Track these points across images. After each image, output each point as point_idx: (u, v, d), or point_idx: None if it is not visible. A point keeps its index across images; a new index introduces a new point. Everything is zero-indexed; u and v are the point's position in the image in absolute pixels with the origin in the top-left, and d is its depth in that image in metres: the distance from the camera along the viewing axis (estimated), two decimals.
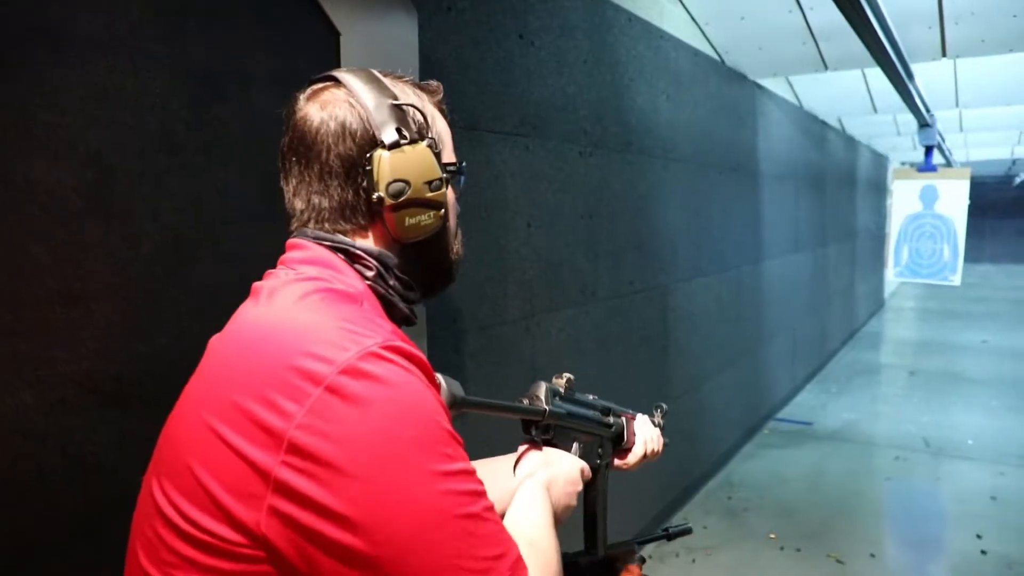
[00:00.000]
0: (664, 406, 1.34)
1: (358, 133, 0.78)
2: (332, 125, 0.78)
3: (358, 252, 0.79)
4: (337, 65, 1.48)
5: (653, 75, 3.23)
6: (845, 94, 5.65)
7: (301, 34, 1.46)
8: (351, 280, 0.77)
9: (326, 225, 0.79)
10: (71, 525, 1.07)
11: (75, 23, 1.05)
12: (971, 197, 5.87)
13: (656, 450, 1.24)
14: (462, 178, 0.89)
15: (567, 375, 1.00)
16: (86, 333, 1.07)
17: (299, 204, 0.80)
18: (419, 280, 0.85)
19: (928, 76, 4.74)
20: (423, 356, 0.71)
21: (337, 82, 0.81)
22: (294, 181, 0.80)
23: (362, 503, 0.60)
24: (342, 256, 0.79)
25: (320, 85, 0.82)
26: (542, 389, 0.95)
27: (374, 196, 0.77)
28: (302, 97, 0.82)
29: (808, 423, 5.26)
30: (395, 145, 0.78)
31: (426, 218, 0.81)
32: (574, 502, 0.94)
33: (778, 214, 5.22)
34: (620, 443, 1.15)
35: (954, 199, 5.73)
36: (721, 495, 3.98)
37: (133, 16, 1.13)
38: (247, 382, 0.65)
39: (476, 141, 2.12)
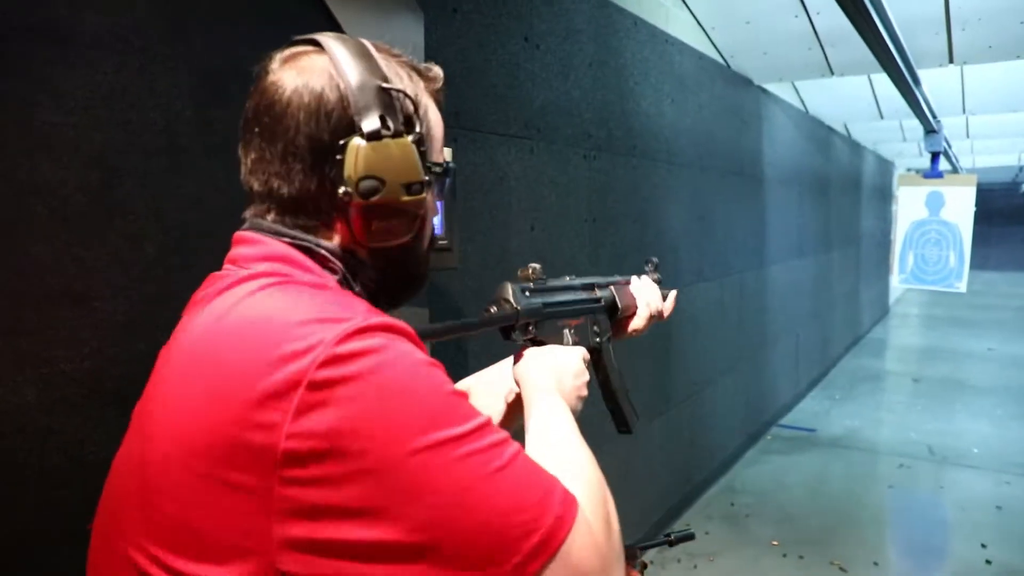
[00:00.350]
0: (654, 259, 1.24)
1: (334, 114, 0.67)
2: (306, 98, 0.67)
3: (322, 253, 0.69)
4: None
5: (658, 79, 3.23)
6: (851, 100, 5.65)
7: (306, 34, 1.46)
8: (316, 276, 0.68)
9: (286, 218, 0.69)
10: (71, 524, 1.07)
11: (80, 22, 1.05)
12: (977, 204, 5.86)
13: (660, 308, 1.15)
14: (447, 180, 0.79)
15: (533, 265, 0.92)
16: (88, 332, 1.07)
17: (255, 184, 0.70)
18: (385, 289, 0.75)
19: (935, 82, 4.73)
20: (405, 325, 0.63)
21: (320, 48, 0.70)
22: (253, 155, 0.70)
23: (383, 491, 0.54)
24: (304, 254, 0.69)
25: (300, 48, 0.71)
26: (507, 290, 0.87)
27: (340, 191, 0.66)
28: (278, 58, 0.71)
29: (811, 429, 5.24)
30: (375, 136, 0.67)
31: (398, 225, 0.70)
32: (586, 391, 0.88)
33: (782, 219, 5.21)
34: (616, 312, 1.08)
35: (960, 206, 5.72)
36: (723, 501, 3.96)
37: (138, 15, 1.13)
38: (217, 403, 0.57)
39: (480, 143, 2.12)
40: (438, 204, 0.80)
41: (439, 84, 0.77)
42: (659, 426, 3.43)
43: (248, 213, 0.72)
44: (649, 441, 3.34)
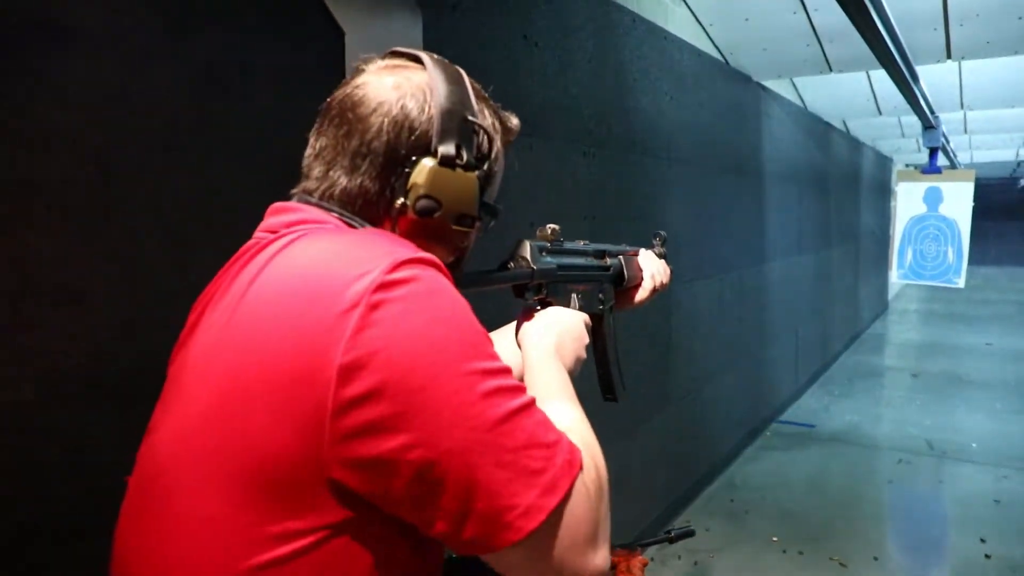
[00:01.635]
0: (662, 233, 1.29)
1: (417, 131, 0.70)
2: (395, 110, 0.70)
3: (367, 227, 0.71)
4: (341, 64, 1.48)
5: (657, 76, 3.23)
6: (850, 96, 5.65)
7: (305, 32, 1.46)
8: None
9: (335, 205, 0.72)
10: (69, 521, 1.07)
11: (79, 18, 1.05)
12: (975, 199, 5.86)
13: (664, 282, 1.19)
14: (492, 223, 0.82)
15: (551, 226, 0.95)
16: (87, 329, 1.07)
17: (318, 169, 0.73)
18: None
19: (933, 78, 4.73)
20: (443, 265, 0.67)
21: (421, 65, 0.74)
22: (324, 141, 0.73)
23: (421, 414, 0.58)
24: (348, 225, 0.71)
25: (404, 61, 0.75)
26: (527, 248, 0.89)
27: (398, 201, 0.70)
28: (380, 62, 0.75)
29: (811, 425, 5.25)
30: (448, 161, 0.70)
31: (440, 250, 0.73)
32: (584, 354, 0.91)
33: (781, 215, 5.21)
34: (621, 283, 1.10)
35: (959, 201, 5.72)
36: (723, 497, 3.97)
37: (137, 12, 1.13)
38: (297, 336, 0.59)
39: None
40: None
41: (514, 136, 0.83)
42: (659, 422, 3.43)
43: (296, 190, 0.74)
44: (649, 437, 3.34)
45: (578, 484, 0.63)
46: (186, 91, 1.22)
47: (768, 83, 4.71)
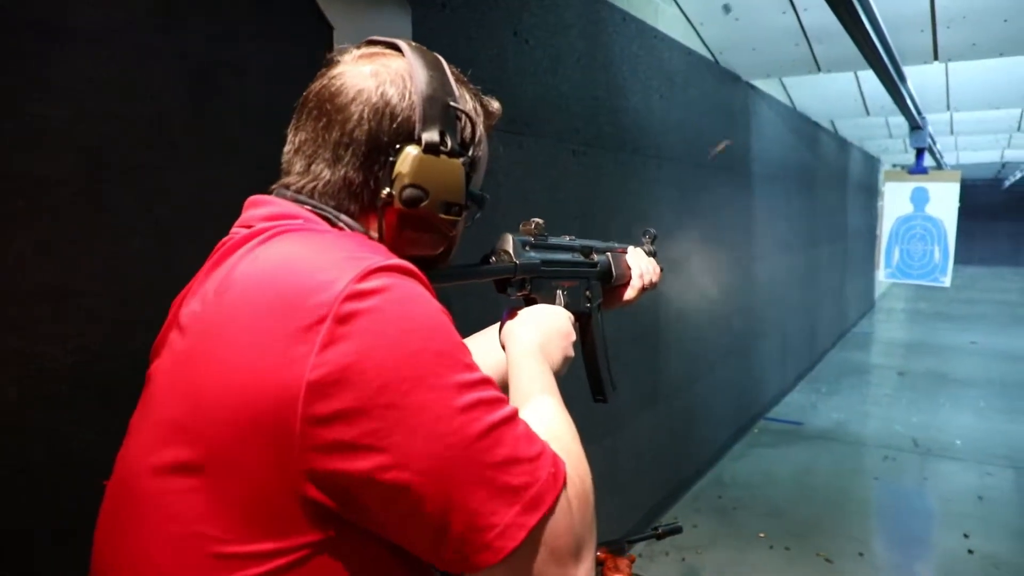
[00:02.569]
0: (652, 230, 1.24)
1: (399, 118, 0.68)
2: (375, 97, 0.68)
3: (342, 222, 0.69)
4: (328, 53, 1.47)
5: (647, 74, 3.24)
6: (838, 96, 5.68)
7: (295, 28, 1.45)
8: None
9: (316, 196, 0.69)
10: (56, 522, 1.07)
11: (70, 14, 1.04)
12: (961, 199, 5.92)
13: (654, 280, 1.16)
14: (479, 212, 0.79)
15: (536, 220, 0.91)
16: (74, 329, 1.06)
17: (299, 164, 0.70)
18: None
19: (920, 79, 4.77)
20: (418, 270, 0.64)
21: (399, 52, 0.71)
22: (303, 135, 0.70)
23: (396, 428, 0.55)
24: (321, 219, 0.68)
25: (380, 49, 0.72)
26: (508, 242, 0.86)
27: (384, 192, 0.68)
28: (355, 52, 0.72)
29: (798, 423, 5.29)
30: (432, 149, 0.68)
31: (428, 239, 0.72)
32: (572, 352, 0.87)
33: (770, 214, 5.24)
34: (609, 280, 1.07)
35: (945, 201, 5.78)
36: (711, 494, 3.99)
37: (128, 7, 1.12)
38: (257, 348, 0.57)
39: None
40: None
41: (496, 120, 0.79)
42: (648, 420, 3.45)
43: (275, 184, 0.72)
44: (638, 435, 3.35)
45: (563, 498, 0.61)
46: (176, 88, 1.22)
47: (757, 82, 4.73)
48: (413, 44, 0.73)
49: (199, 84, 1.25)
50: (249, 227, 0.68)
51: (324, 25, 1.49)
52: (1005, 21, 3.49)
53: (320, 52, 1.49)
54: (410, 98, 0.69)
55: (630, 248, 1.15)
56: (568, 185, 2.65)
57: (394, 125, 0.68)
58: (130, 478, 0.64)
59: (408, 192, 0.68)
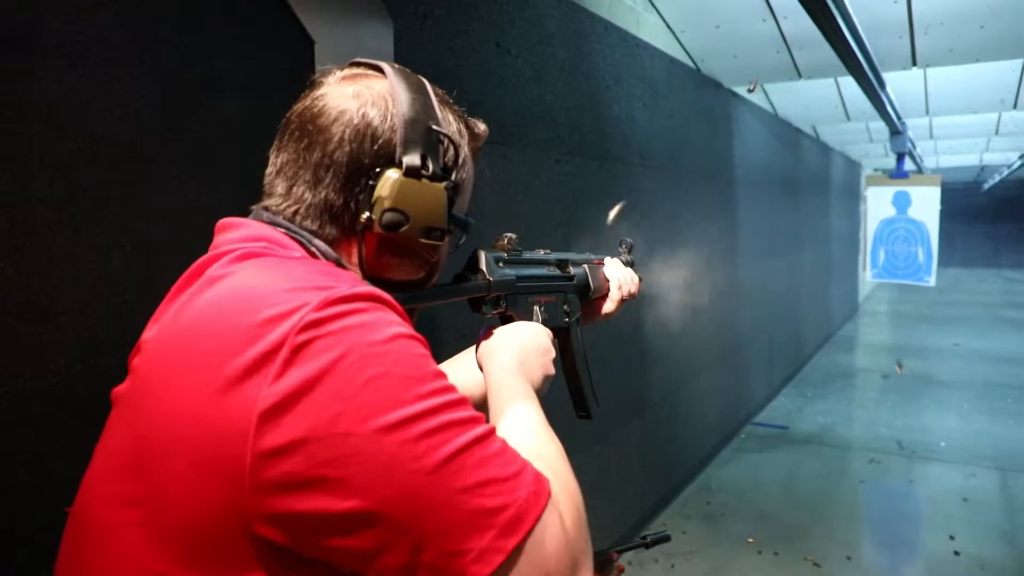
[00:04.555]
0: (628, 240, 1.21)
1: (380, 140, 0.68)
2: (356, 119, 0.67)
3: (314, 247, 0.68)
4: (311, 74, 1.47)
5: (629, 83, 3.26)
6: (819, 102, 5.74)
7: (275, 43, 1.45)
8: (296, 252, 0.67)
9: (296, 219, 0.68)
10: (37, 543, 1.05)
11: (43, 31, 1.03)
12: (941, 202, 6.00)
13: (633, 291, 1.13)
14: (464, 236, 0.78)
15: (508, 235, 0.89)
16: (54, 348, 1.05)
17: (280, 186, 0.69)
18: None
19: (899, 84, 4.83)
20: (390, 297, 0.62)
21: (382, 74, 0.71)
22: (285, 156, 0.70)
23: (354, 460, 0.53)
24: (295, 242, 0.67)
25: (363, 70, 0.72)
26: (481, 259, 0.84)
27: (364, 216, 0.67)
28: (338, 73, 0.72)
29: (784, 427, 5.32)
30: (413, 172, 0.68)
31: (408, 264, 0.71)
32: (552, 370, 0.86)
33: (754, 220, 5.28)
34: (587, 293, 1.05)
35: (927, 204, 5.85)
36: (699, 500, 4.00)
37: (103, 24, 1.12)
38: (204, 374, 0.56)
39: None
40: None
41: (482, 142, 0.79)
42: (636, 427, 3.45)
43: (256, 206, 0.71)
44: (626, 442, 3.36)
45: (547, 516, 0.59)
46: (154, 104, 1.21)
47: (739, 89, 4.77)
48: (397, 67, 0.73)
49: (176, 100, 1.24)
50: (217, 249, 0.67)
51: (305, 39, 1.48)
52: (981, 27, 3.54)
53: (301, 67, 1.49)
54: (392, 120, 0.68)
55: (607, 259, 1.13)
56: (552, 194, 2.65)
57: (375, 147, 0.68)
58: (85, 507, 0.63)
59: (388, 216, 0.67)
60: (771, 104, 5.71)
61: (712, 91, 4.35)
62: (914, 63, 3.98)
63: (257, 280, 0.60)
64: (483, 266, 0.83)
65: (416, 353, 0.59)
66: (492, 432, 0.61)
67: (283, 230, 0.68)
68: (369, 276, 0.70)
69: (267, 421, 0.53)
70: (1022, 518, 3.68)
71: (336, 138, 0.67)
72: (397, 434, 0.54)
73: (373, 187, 0.67)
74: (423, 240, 0.70)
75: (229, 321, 0.57)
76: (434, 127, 0.70)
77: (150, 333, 0.64)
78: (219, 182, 1.33)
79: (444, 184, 0.70)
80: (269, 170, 0.71)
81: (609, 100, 3.07)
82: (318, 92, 0.70)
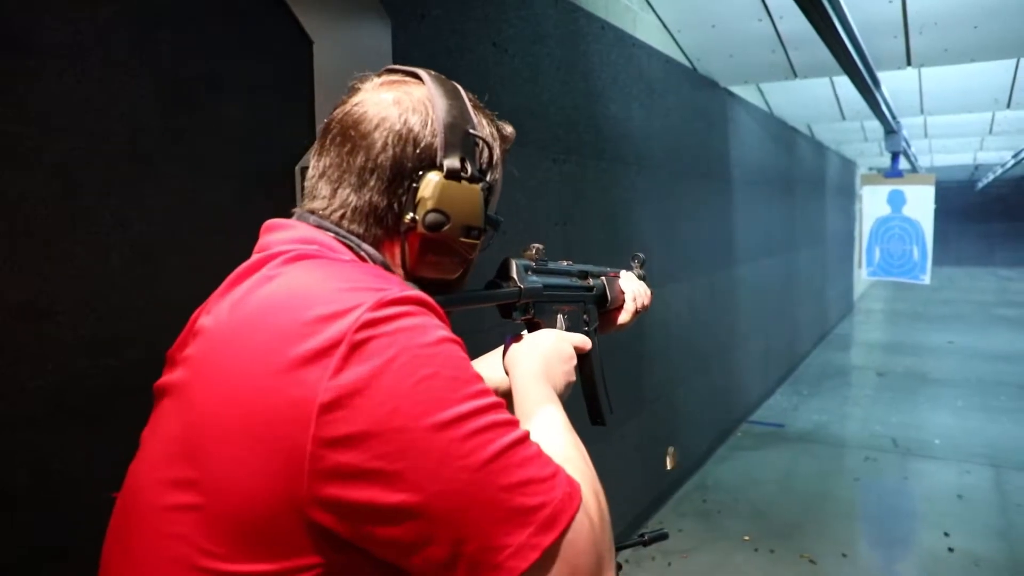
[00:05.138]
0: (641, 255, 1.26)
1: (422, 144, 0.71)
2: (399, 124, 0.70)
3: (363, 252, 0.71)
4: (309, 74, 1.47)
5: (626, 82, 3.26)
6: (814, 101, 5.76)
7: (273, 42, 1.45)
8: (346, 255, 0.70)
9: (343, 222, 0.72)
10: (37, 545, 1.05)
11: (42, 31, 1.03)
12: (935, 201, 6.03)
13: (645, 303, 1.19)
14: (493, 235, 0.81)
15: (535, 245, 0.93)
16: (54, 348, 1.05)
17: (325, 188, 0.72)
18: None
19: (894, 84, 4.85)
20: (433, 301, 0.65)
21: (420, 80, 0.74)
22: (327, 160, 0.72)
23: (407, 455, 0.56)
24: (343, 245, 0.70)
25: (401, 77, 0.75)
26: (512, 267, 0.88)
27: (407, 217, 0.70)
28: (377, 79, 0.75)
29: (780, 425, 5.33)
30: (454, 175, 0.71)
31: (448, 263, 0.75)
32: (573, 377, 0.89)
33: (749, 219, 5.30)
34: (604, 304, 1.09)
35: (921, 203, 5.88)
36: (696, 498, 4.01)
37: (101, 23, 1.11)
38: (260, 365, 0.58)
39: None
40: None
41: (510, 144, 0.82)
42: (633, 425, 3.46)
43: (298, 208, 0.74)
44: (624, 440, 3.37)
45: (579, 516, 0.61)
46: (152, 103, 1.21)
47: (735, 88, 4.79)
48: (433, 73, 0.76)
49: (174, 99, 1.24)
50: (266, 250, 0.69)
51: (303, 39, 1.48)
52: (975, 27, 3.56)
53: (298, 65, 1.49)
54: (432, 126, 0.71)
55: (622, 272, 1.16)
56: (550, 193, 2.66)
57: (417, 151, 0.71)
58: (135, 491, 0.66)
59: (431, 217, 0.70)
60: (766, 103, 5.72)
61: (708, 90, 4.36)
62: (909, 63, 3.99)
63: (314, 278, 0.63)
64: (514, 274, 0.87)
65: (459, 356, 0.62)
66: (528, 436, 0.63)
67: (331, 234, 0.71)
68: (410, 276, 0.74)
69: (327, 413, 0.56)
70: (1016, 515, 3.71)
71: (379, 143, 0.70)
72: (447, 432, 0.57)
73: (416, 189, 0.70)
74: (463, 239, 0.73)
75: (288, 315, 0.60)
76: (471, 131, 0.73)
77: (205, 322, 0.66)
78: (218, 182, 1.33)
79: (481, 185, 0.74)
80: (311, 173, 0.74)
81: (606, 99, 3.07)
82: (357, 98, 0.73)
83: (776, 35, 3.80)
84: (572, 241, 2.82)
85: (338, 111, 0.74)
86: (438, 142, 0.71)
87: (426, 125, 0.71)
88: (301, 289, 0.62)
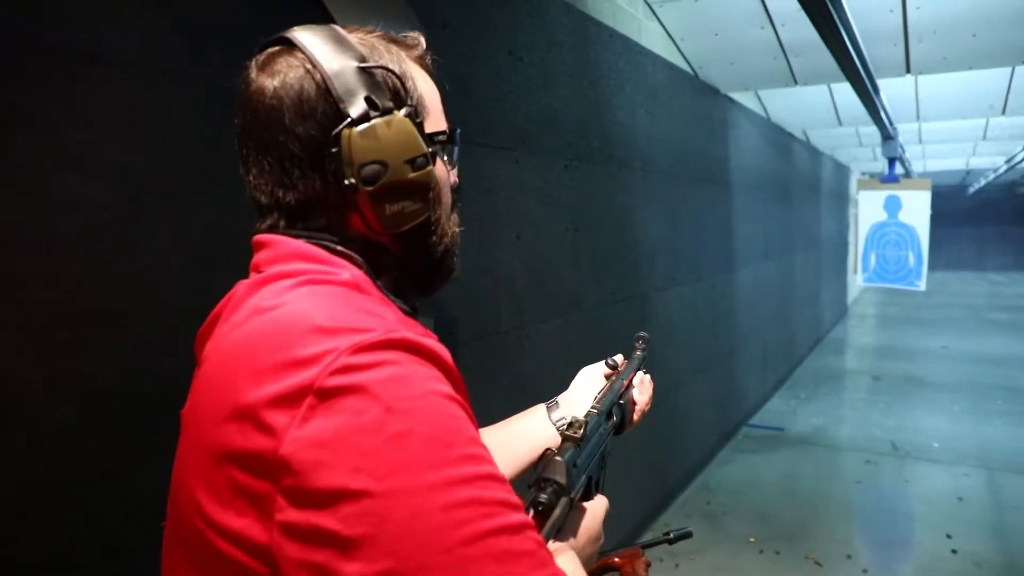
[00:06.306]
0: (644, 335, 1.20)
1: (319, 108, 0.64)
2: (286, 100, 0.64)
3: (339, 250, 0.67)
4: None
5: (632, 90, 3.30)
6: (811, 107, 5.83)
7: None
8: (338, 268, 0.66)
9: (298, 224, 0.67)
10: (103, 537, 1.08)
11: (105, 44, 1.06)
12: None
13: (648, 400, 1.12)
14: (455, 148, 0.75)
15: (576, 419, 0.83)
16: (118, 349, 1.07)
17: (262, 199, 0.68)
18: (413, 276, 0.73)
19: (892, 91, 4.91)
20: (434, 345, 0.59)
21: (292, 44, 0.67)
22: (254, 171, 0.68)
23: (374, 520, 0.50)
24: (323, 248, 0.66)
25: (273, 50, 0.68)
26: (560, 470, 0.76)
27: (345, 183, 0.64)
28: (253, 66, 0.68)
29: (780, 428, 5.38)
30: (364, 119, 0.64)
31: (411, 204, 0.68)
32: (597, 550, 0.82)
33: (748, 224, 5.35)
34: (621, 431, 1.06)
35: (916, 208, 5.94)
36: (700, 500, 4.05)
37: (159, 35, 1.14)
38: (230, 401, 0.55)
39: (467, 155, 2.15)
40: (453, 175, 0.77)
41: (422, 50, 0.75)
42: (635, 429, 3.48)
43: (260, 226, 0.70)
44: (627, 443, 3.39)
45: None
46: (204, 112, 1.23)
47: (735, 95, 4.84)
48: (301, 28, 0.69)
49: (227, 108, 1.26)
50: (258, 269, 0.68)
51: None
52: (974, 36, 3.62)
53: None
54: (316, 82, 0.65)
55: (635, 380, 1.11)
56: (561, 198, 2.69)
57: (317, 116, 0.65)
58: (173, 512, 0.65)
59: (365, 171, 0.64)
60: (764, 109, 5.78)
61: (710, 97, 4.41)
62: (908, 70, 4.05)
63: (297, 313, 0.58)
64: (562, 478, 0.75)
65: (446, 413, 0.55)
66: (528, 525, 0.55)
67: (306, 239, 0.67)
68: (391, 235, 0.69)
69: (289, 466, 0.51)
70: (1014, 516, 3.76)
71: (281, 129, 0.65)
72: (414, 501, 0.51)
73: (338, 153, 0.64)
74: (412, 175, 0.67)
75: (264, 352, 0.56)
76: (362, 65, 0.66)
77: (206, 352, 0.64)
78: None
79: (403, 112, 0.67)
80: (247, 190, 0.70)
81: (613, 106, 3.11)
82: (246, 95, 0.68)
83: (778, 42, 3.85)
84: (582, 246, 2.86)
85: (237, 119, 0.69)
86: (334, 94, 0.64)
87: (315, 88, 0.65)
88: (282, 325, 0.57)
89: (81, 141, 1.02)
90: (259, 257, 0.68)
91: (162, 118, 1.12)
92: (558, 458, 0.76)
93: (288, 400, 0.52)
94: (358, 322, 0.57)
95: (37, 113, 0.98)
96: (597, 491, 0.95)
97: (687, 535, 1.55)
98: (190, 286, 1.17)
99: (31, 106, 0.97)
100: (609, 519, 0.76)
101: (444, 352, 0.59)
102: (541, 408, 1.04)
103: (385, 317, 0.60)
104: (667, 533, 1.52)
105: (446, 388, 0.57)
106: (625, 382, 1.08)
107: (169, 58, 1.14)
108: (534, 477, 0.69)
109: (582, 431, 0.81)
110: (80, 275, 1.02)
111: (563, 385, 1.03)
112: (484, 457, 0.55)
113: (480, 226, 2.22)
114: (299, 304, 0.59)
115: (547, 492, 0.73)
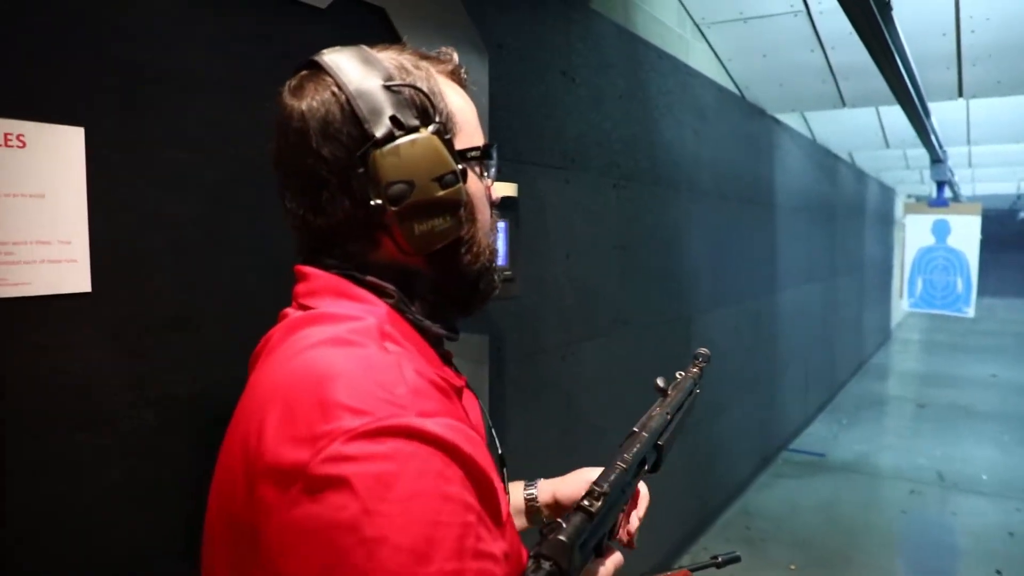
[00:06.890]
0: (706, 351, 1.14)
1: (344, 130, 0.64)
2: (313, 123, 0.64)
3: (370, 280, 0.67)
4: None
5: (680, 110, 3.32)
6: (858, 129, 5.76)
7: None
8: (367, 308, 0.65)
9: (332, 250, 0.67)
10: (183, 540, 1.11)
11: (197, 64, 1.11)
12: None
13: (643, 515, 1.00)
14: (492, 163, 0.73)
15: (594, 485, 0.75)
16: (196, 357, 1.12)
17: (297, 224, 0.68)
18: (450, 297, 0.72)
19: (942, 114, 4.84)
20: (436, 429, 0.55)
21: (321, 69, 0.67)
22: (288, 194, 0.68)
23: None
24: (354, 283, 0.67)
25: (304, 73, 0.68)
26: (560, 552, 0.66)
27: (372, 203, 0.64)
28: (286, 90, 0.68)
29: (821, 454, 5.28)
30: (389, 138, 0.63)
31: (441, 222, 0.66)
32: None
33: (792, 245, 5.29)
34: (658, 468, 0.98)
35: (966, 233, 5.83)
36: (739, 524, 3.99)
37: (244, 56, 1.19)
38: (238, 460, 0.59)
39: (520, 173, 2.19)
40: (493, 191, 0.75)
41: (452, 64, 0.74)
42: (677, 450, 3.46)
43: (299, 253, 0.71)
44: (668, 464, 3.36)
45: None
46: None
47: (781, 116, 4.82)
48: (331, 49, 0.69)
49: None
50: (296, 300, 0.69)
51: None
52: None
53: None
54: (345, 105, 0.64)
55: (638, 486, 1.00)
56: (609, 217, 2.71)
57: (343, 138, 0.64)
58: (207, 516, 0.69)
59: (392, 191, 0.63)
60: (810, 130, 5.74)
61: (756, 118, 4.39)
62: (960, 94, 4.00)
63: (314, 379, 0.57)
64: (561, 561, 0.66)
65: (432, 521, 0.52)
66: None
67: (336, 271, 0.67)
68: (424, 255, 0.68)
69: (270, 546, 0.53)
70: None
71: (307, 151, 0.65)
72: None
73: (365, 174, 0.64)
74: (440, 193, 0.66)
75: (278, 418, 0.56)
76: (387, 84, 0.65)
77: (250, 382, 0.68)
78: None
79: (431, 129, 0.66)
80: (285, 216, 0.71)
81: (661, 127, 3.13)
82: (279, 119, 0.68)
83: (827, 65, 3.84)
84: (628, 266, 2.87)
85: (271, 144, 0.70)
86: (360, 115, 0.64)
87: (340, 110, 0.64)
88: (296, 393, 0.57)
89: (177, 160, 1.07)
90: (297, 288, 0.69)
91: (246, 137, 1.17)
92: (561, 537, 0.67)
93: (282, 478, 0.53)
94: (363, 402, 0.54)
95: (141, 135, 1.04)
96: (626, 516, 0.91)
97: (736, 559, 1.54)
98: (265, 302, 1.21)
99: (128, 124, 1.03)
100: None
101: (449, 434, 0.56)
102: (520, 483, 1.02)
103: (396, 390, 0.56)
104: (715, 557, 1.51)
105: (443, 484, 0.54)
106: (669, 416, 1.00)
107: (251, 78, 1.19)
108: (534, 550, 0.64)
109: (599, 503, 0.72)
110: (165, 286, 1.07)
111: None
112: (465, 570, 0.52)
113: (531, 244, 2.24)
114: (320, 366, 0.58)
115: (543, 571, 0.64)
